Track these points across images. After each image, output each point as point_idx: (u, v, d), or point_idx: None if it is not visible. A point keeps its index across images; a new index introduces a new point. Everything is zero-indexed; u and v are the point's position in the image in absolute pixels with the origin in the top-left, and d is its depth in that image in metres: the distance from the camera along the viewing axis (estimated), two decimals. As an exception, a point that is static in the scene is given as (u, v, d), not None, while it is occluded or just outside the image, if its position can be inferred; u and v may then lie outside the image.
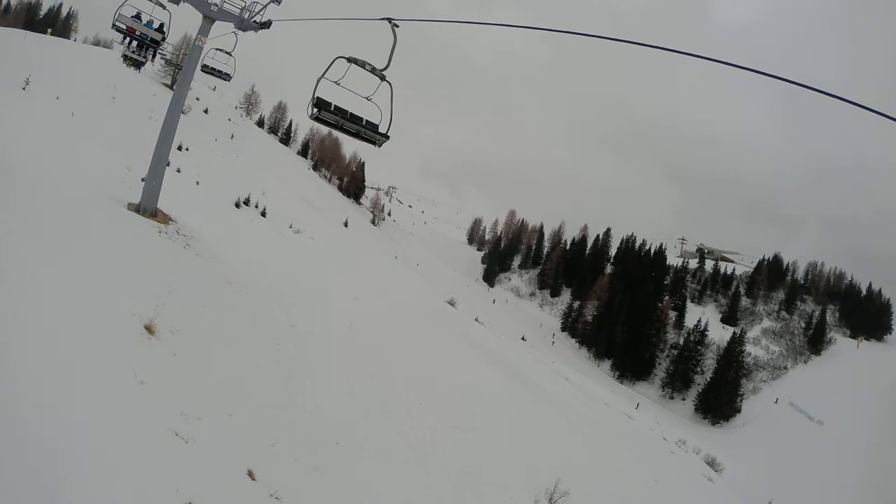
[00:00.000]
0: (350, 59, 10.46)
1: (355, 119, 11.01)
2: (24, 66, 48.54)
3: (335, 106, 10.74)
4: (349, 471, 13.06)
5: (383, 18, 10.41)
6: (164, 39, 21.04)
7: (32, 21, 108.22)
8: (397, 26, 10.55)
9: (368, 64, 10.64)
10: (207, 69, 23.50)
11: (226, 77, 24.24)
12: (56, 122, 38.01)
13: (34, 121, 34.50)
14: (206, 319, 14.33)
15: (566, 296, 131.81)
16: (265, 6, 19.77)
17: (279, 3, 19.56)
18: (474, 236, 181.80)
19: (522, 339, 78.17)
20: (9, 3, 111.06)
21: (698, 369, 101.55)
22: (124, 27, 19.17)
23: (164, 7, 19.47)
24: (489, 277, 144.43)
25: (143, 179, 20.77)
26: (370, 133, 11.23)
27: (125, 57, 23.96)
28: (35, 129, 32.45)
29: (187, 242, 18.92)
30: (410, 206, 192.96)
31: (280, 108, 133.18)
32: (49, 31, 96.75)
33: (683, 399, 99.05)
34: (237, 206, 49.46)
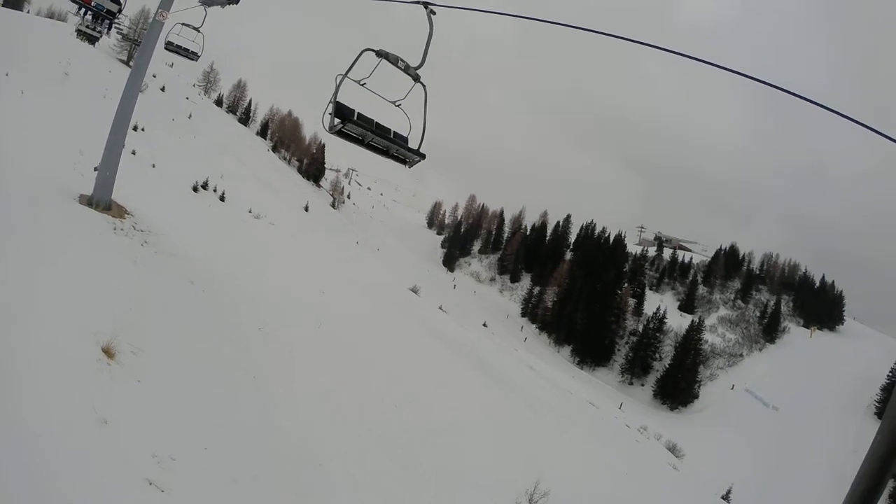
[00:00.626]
0: (380, 53, 8.44)
1: (383, 131, 8.83)
2: None
3: (359, 114, 8.56)
4: (335, 495, 11.97)
5: (418, 1, 8.44)
6: (120, 11, 20.54)
7: None
8: (434, 13, 8.58)
9: (402, 60, 8.61)
10: (172, 47, 21.64)
11: (193, 56, 22.40)
12: (2, 101, 36.29)
13: None
14: (170, 331, 12.95)
15: (526, 281, 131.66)
16: None
17: None
18: (434, 220, 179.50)
19: (484, 325, 77.59)
20: None
21: (657, 356, 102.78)
22: None
23: None
24: (449, 262, 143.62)
25: (95, 169, 18.81)
26: (402, 150, 9.11)
27: (79, 31, 22.08)
28: None
29: (145, 239, 17.30)
30: (369, 189, 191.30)
31: (239, 87, 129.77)
32: (0, 2, 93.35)
33: (643, 385, 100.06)
34: (195, 190, 47.66)
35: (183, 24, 20.40)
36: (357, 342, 21.83)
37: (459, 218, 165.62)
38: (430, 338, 32.34)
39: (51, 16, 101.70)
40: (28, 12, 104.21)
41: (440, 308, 53.48)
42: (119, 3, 20.16)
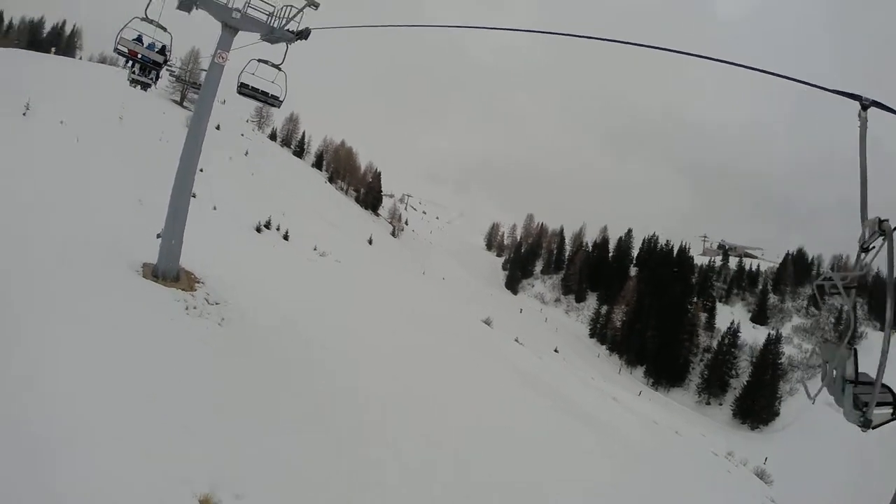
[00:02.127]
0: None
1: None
2: (25, 89, 47.07)
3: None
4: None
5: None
6: (166, 62, 19.38)
7: (36, 40, 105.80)
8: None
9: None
10: (247, 90, 17.92)
11: (274, 101, 18.48)
12: (59, 151, 36.19)
13: (34, 152, 32.78)
14: (269, 448, 11.06)
15: (592, 301, 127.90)
16: (301, 10, 16.58)
17: (317, 8, 16.52)
18: (493, 242, 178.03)
19: (555, 350, 75.16)
20: (10, 22, 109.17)
21: (733, 372, 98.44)
22: (126, 51, 17.93)
23: (164, 30, 18.05)
24: (512, 284, 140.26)
25: (158, 236, 17.18)
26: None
27: (131, 80, 20.87)
28: (34, 163, 30.38)
29: (221, 315, 15.63)
30: (424, 213, 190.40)
31: (292, 120, 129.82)
32: (53, 49, 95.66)
33: (720, 404, 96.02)
34: (258, 230, 47.32)
35: (259, 61, 17.64)
36: (441, 394, 20.40)
37: (518, 238, 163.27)
38: (513, 378, 30.65)
39: (103, 61, 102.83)
40: (80, 58, 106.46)
41: (516, 340, 51.38)
42: (164, 55, 19.12)
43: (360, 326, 24.91)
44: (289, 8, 16.61)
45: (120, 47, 17.89)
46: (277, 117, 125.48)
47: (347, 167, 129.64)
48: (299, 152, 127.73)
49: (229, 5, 16.67)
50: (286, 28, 16.89)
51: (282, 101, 18.24)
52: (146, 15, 17.13)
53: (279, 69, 17.76)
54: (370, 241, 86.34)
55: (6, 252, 13.30)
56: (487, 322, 51.66)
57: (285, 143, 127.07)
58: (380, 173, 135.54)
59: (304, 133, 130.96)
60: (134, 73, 20.39)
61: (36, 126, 40.84)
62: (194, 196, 38.82)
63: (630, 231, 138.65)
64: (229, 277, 20.02)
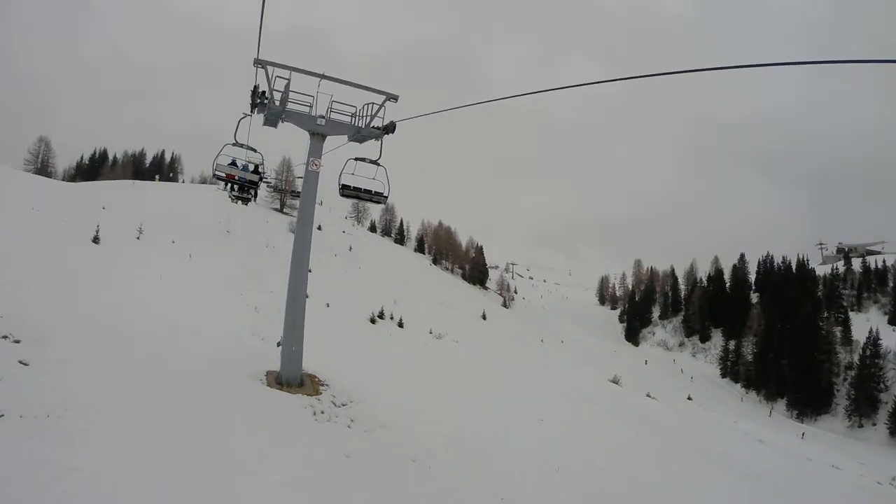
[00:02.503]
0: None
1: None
2: (136, 215, 50.02)
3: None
4: None
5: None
6: (261, 179, 20.88)
7: (139, 170, 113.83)
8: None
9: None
10: (349, 191, 17.65)
11: (378, 198, 18.16)
12: (174, 269, 38.19)
13: (151, 272, 34.54)
14: None
15: (717, 338, 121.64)
16: (381, 106, 16.70)
17: (396, 101, 16.60)
18: (605, 295, 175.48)
19: (689, 398, 72.38)
20: (115, 157, 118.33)
21: (881, 386, 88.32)
22: (224, 175, 19.48)
23: (255, 150, 19.57)
24: (632, 336, 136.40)
25: (278, 344, 17.36)
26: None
27: (232, 198, 21.88)
28: (153, 282, 31.85)
29: (350, 417, 15.55)
30: (531, 278, 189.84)
31: (389, 210, 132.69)
32: (157, 177, 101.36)
33: (874, 424, 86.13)
34: (372, 321, 47.85)
35: (357, 160, 17.59)
36: (603, 489, 18.60)
37: (630, 287, 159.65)
38: (678, 446, 29.29)
39: (203, 181, 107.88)
40: (183, 181, 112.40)
41: (648, 395, 49.92)
42: (259, 174, 20.49)
43: (493, 408, 24.43)
44: (370, 105, 16.81)
45: (218, 173, 19.17)
46: (374, 209, 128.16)
47: (449, 246, 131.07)
48: (400, 239, 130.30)
49: (312, 114, 16.91)
50: (371, 126, 17.06)
51: (387, 197, 17.99)
52: (236, 140, 18.42)
53: (378, 164, 17.53)
54: (484, 317, 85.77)
55: (140, 369, 13.62)
56: (615, 381, 50.81)
57: (385, 232, 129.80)
58: (481, 247, 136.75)
59: (401, 220, 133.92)
60: (234, 193, 21.48)
61: (150, 248, 43.18)
62: (307, 297, 39.77)
63: (742, 256, 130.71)
64: (351, 374, 20.07)
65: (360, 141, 17.93)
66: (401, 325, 49.92)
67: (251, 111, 17.08)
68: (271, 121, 17.47)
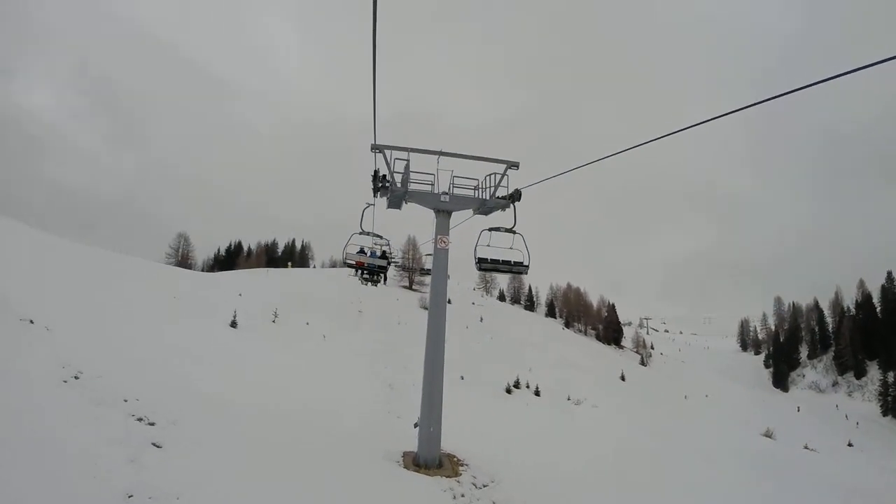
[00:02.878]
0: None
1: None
2: (271, 300, 52.21)
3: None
4: None
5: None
6: (389, 263, 21.48)
7: (272, 258, 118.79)
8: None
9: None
10: (488, 265, 16.75)
11: (519, 268, 17.10)
12: (309, 349, 39.41)
13: (286, 354, 35.45)
14: None
15: (874, 371, 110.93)
16: (504, 174, 16.54)
17: (518, 168, 16.47)
18: (746, 341, 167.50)
19: (849, 444, 67.96)
20: (249, 248, 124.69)
21: None
22: (353, 262, 20.14)
23: (380, 237, 20.18)
24: (780, 381, 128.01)
25: (415, 425, 17.05)
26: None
27: (362, 280, 22.47)
28: (288, 363, 32.61)
29: (492, 500, 14.95)
30: (667, 331, 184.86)
31: (516, 277, 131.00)
32: (289, 263, 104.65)
33: None
34: (508, 391, 47.12)
35: (491, 230, 16.84)
36: None
37: (773, 328, 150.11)
38: None
39: (333, 265, 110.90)
40: (314, 267, 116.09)
41: (805, 447, 47.23)
42: (386, 258, 21.07)
43: (634, 475, 23.43)
44: (493, 176, 16.69)
45: (348, 261, 19.95)
46: (502, 278, 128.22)
47: (580, 308, 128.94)
48: (530, 305, 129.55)
49: (435, 191, 16.80)
50: (496, 196, 16.78)
51: (528, 266, 16.92)
52: (362, 229, 19.18)
53: (514, 232, 16.70)
54: (622, 378, 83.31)
55: (275, 450, 13.69)
56: (768, 434, 48.36)
57: (515, 300, 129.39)
58: (613, 305, 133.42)
59: (529, 286, 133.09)
60: (364, 277, 22.39)
61: (285, 330, 44.47)
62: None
63: (890, 274, 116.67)
64: (491, 450, 19.55)
65: (486, 213, 17.50)
66: (537, 393, 48.99)
67: (374, 195, 17.13)
68: (395, 203, 17.47)
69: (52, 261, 33.51)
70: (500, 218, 17.16)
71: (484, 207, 17.19)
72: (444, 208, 16.91)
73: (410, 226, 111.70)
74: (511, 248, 16.70)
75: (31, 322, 17.39)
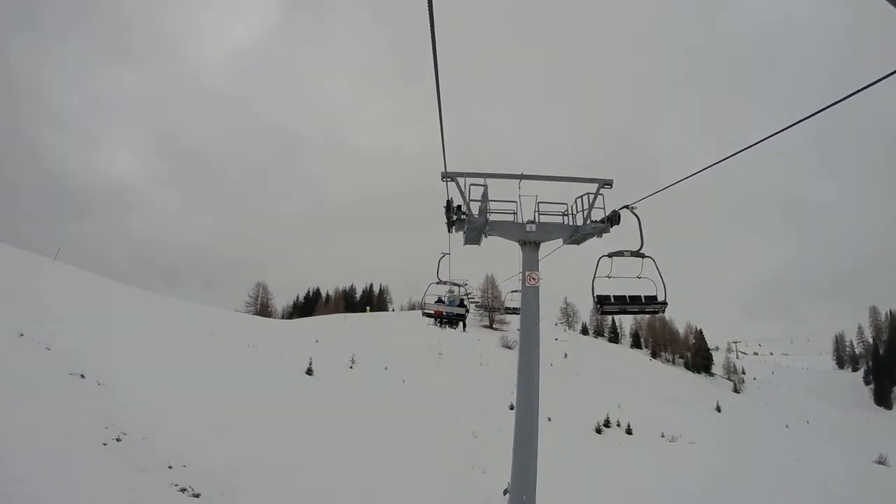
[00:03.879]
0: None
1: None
2: (348, 346, 51.65)
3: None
4: None
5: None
6: (467, 311, 20.36)
7: (351, 303, 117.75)
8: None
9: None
10: (611, 305, 12.88)
11: (655, 306, 12.97)
12: (388, 395, 38.66)
13: (363, 402, 34.78)
14: None
15: None
16: (597, 194, 13.49)
17: (611, 186, 13.34)
18: (843, 357, 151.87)
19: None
20: (328, 294, 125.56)
21: None
22: (432, 312, 19.51)
23: (458, 285, 20.12)
24: (883, 398, 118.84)
25: (505, 492, 14.67)
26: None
27: (441, 326, 21.42)
28: (365, 413, 31.91)
29: None
30: (756, 353, 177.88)
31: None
32: (367, 308, 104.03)
33: None
34: (598, 431, 45.04)
35: (611, 256, 12.70)
36: None
37: (871, 340, 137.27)
38: None
39: (412, 308, 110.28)
40: (392, 310, 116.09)
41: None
42: (465, 307, 20.17)
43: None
44: (585, 197, 14.10)
45: (426, 311, 19.48)
46: (583, 311, 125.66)
47: (667, 336, 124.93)
48: (614, 337, 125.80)
49: (518, 220, 14.12)
50: (589, 221, 13.71)
51: (665, 303, 12.84)
52: (439, 278, 18.93)
53: (643, 256, 12.89)
54: (718, 409, 79.17)
55: None
56: (882, 461, 45.17)
57: (598, 332, 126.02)
58: (701, 331, 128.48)
59: (612, 318, 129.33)
60: (444, 325, 21.28)
61: (363, 376, 43.79)
62: (511, 409, 38.81)
63: None
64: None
65: (578, 242, 14.52)
66: (629, 431, 46.71)
67: (448, 230, 14.67)
68: (473, 238, 14.83)
69: (126, 313, 33.03)
70: (597, 247, 14.68)
71: (576, 235, 14.10)
72: (530, 239, 13.96)
73: (488, 263, 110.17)
74: (640, 278, 12.84)
75: (82, 376, 16.40)
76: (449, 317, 19.90)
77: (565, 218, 14.33)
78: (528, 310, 13.52)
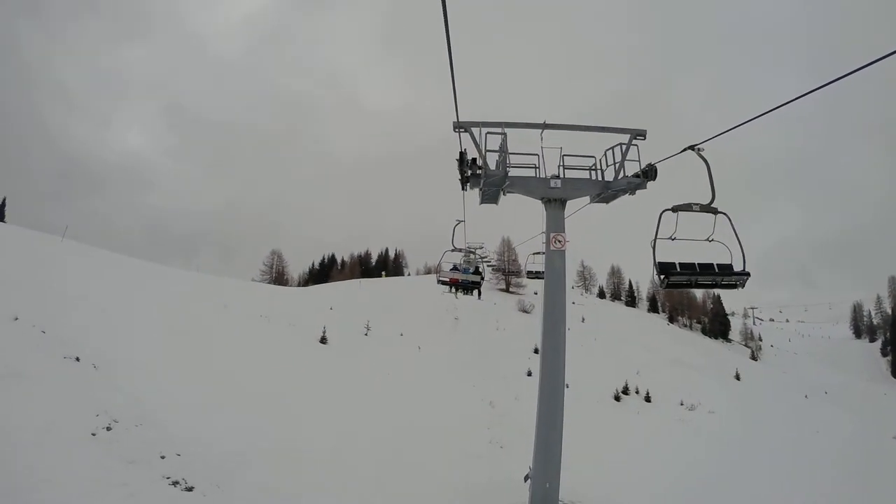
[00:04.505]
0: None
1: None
2: (363, 312, 51.70)
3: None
4: None
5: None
6: (482, 279, 21.25)
7: (367, 269, 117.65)
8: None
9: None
10: (678, 275, 10.41)
11: (732, 279, 10.60)
12: (403, 364, 38.02)
13: (378, 371, 34.04)
14: None
15: None
16: (629, 145, 12.32)
17: (645, 137, 12.31)
18: (860, 327, 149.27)
19: None
20: (343, 260, 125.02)
21: None
22: (448, 280, 20.29)
23: (473, 252, 21.23)
24: None
25: (526, 478, 13.31)
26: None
27: (456, 294, 22.75)
28: (380, 383, 31.16)
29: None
30: (773, 320, 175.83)
31: (615, 273, 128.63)
32: (383, 273, 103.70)
33: None
34: (617, 398, 44.15)
35: (676, 210, 10.53)
36: None
37: (890, 311, 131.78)
38: None
39: (428, 272, 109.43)
40: (409, 274, 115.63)
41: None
42: (480, 274, 20.99)
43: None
44: (617, 148, 12.55)
45: (442, 278, 20.58)
46: (600, 273, 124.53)
47: (684, 301, 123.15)
48: (631, 301, 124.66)
49: (540, 175, 12.83)
50: (623, 177, 12.48)
51: (747, 273, 10.48)
52: (454, 246, 19.95)
53: (716, 212, 10.45)
54: (737, 377, 77.39)
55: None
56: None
57: (615, 296, 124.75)
58: (719, 296, 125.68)
59: (629, 281, 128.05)
60: (459, 293, 22.20)
61: (378, 344, 43.24)
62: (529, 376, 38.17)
63: None
64: (605, 489, 17.43)
65: (608, 200, 13.31)
66: (647, 398, 45.68)
67: (462, 186, 13.17)
68: (490, 196, 13.53)
69: (133, 290, 32.27)
70: (627, 206, 13.14)
71: (607, 192, 12.80)
72: (555, 196, 12.58)
73: (503, 226, 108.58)
74: (710, 241, 10.33)
75: (77, 360, 15.39)
76: (464, 284, 20.38)
77: (593, 173, 12.87)
78: (554, 276, 12.00)
